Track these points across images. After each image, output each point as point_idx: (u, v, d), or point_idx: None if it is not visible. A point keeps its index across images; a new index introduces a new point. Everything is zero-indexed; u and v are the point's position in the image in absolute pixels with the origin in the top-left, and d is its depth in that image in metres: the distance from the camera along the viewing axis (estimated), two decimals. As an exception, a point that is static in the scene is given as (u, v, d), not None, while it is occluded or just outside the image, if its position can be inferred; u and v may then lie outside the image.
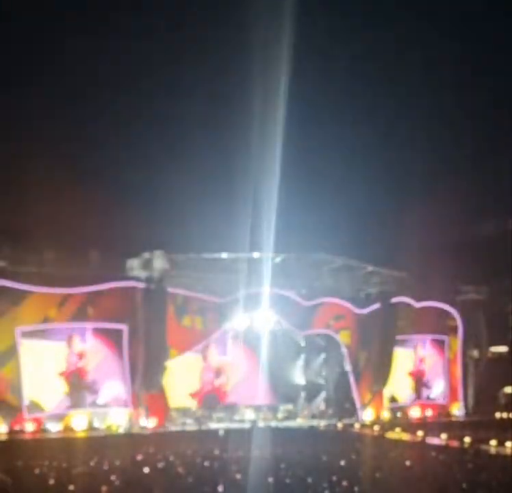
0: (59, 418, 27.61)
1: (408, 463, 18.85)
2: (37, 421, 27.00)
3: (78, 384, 28.42)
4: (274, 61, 26.65)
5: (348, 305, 33.95)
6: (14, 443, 24.16)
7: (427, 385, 36.56)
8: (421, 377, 36.49)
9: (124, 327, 28.98)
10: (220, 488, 14.59)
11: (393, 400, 35.12)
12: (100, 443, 24.61)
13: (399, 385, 35.45)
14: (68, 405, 28.06)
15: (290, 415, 33.57)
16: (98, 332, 28.81)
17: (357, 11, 31.37)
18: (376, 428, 30.21)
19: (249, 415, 32.67)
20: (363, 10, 31.33)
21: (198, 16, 28.52)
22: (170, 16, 29.11)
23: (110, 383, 29.09)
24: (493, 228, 34.14)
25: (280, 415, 33.43)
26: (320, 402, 34.84)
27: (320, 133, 31.75)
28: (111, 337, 28.92)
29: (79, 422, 27.71)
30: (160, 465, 18.66)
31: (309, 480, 15.58)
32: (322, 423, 31.81)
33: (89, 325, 28.67)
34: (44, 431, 26.80)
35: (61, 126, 28.04)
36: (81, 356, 28.62)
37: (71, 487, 14.86)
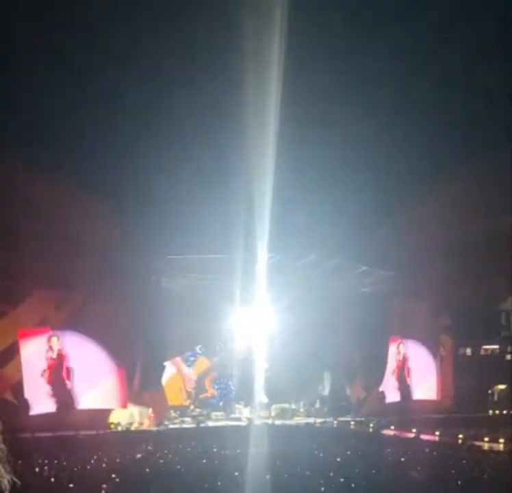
0: (60, 417, 27.80)
1: (403, 459, 19.22)
2: (37, 420, 27.16)
3: (74, 383, 28.62)
4: (268, 60, 26.80)
5: (343, 304, 34.28)
6: (13, 442, 24.29)
7: (420, 383, 36.90)
8: (414, 375, 36.82)
9: (122, 327, 29.22)
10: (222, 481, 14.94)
11: (387, 397, 35.46)
12: (98, 442, 24.76)
13: (393, 383, 35.79)
14: (68, 404, 28.28)
15: (286, 414, 33.90)
16: (96, 332, 29.04)
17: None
18: (372, 425, 30.55)
19: (245, 413, 33.00)
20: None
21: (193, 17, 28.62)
22: (167, 17, 29.22)
23: (109, 382, 29.34)
24: (486, 227, 34.43)
25: (276, 413, 33.76)
26: (315, 401, 35.19)
27: (314, 134, 31.92)
28: (110, 337, 29.15)
29: (79, 421, 27.92)
30: (160, 462, 18.95)
31: (306, 476, 15.90)
32: (318, 421, 32.16)
33: (86, 325, 28.90)
34: (45, 430, 26.95)
35: (59, 127, 28.13)
36: (77, 356, 28.81)
37: (71, 486, 15.08)
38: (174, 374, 32.27)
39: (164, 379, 31.54)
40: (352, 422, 31.88)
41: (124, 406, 29.32)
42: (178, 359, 32.63)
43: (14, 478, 2.79)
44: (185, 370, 33.32)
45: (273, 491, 14.38)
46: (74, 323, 28.64)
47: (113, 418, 28.92)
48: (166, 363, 32.06)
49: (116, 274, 28.64)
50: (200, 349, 33.63)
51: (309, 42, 28.06)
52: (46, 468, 17.80)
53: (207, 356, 34.14)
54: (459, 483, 15.15)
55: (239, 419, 32.03)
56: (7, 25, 25.71)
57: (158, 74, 29.79)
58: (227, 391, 34.27)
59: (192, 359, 33.67)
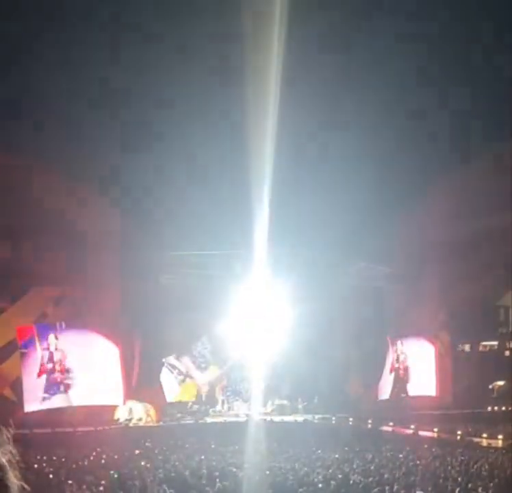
0: (59, 413, 27.79)
1: (401, 455, 19.21)
2: (35, 416, 27.13)
3: (73, 380, 28.60)
4: (270, 57, 26.73)
5: (341, 301, 34.25)
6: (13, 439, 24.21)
7: (419, 379, 36.90)
8: (413, 371, 36.82)
9: (120, 324, 29.22)
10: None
11: (386, 394, 35.47)
12: (97, 438, 24.76)
13: (391, 380, 35.81)
14: (67, 401, 28.27)
15: (285, 410, 33.91)
16: (95, 328, 29.03)
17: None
18: (370, 421, 30.55)
19: (244, 409, 33.01)
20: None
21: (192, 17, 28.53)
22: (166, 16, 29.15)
23: (107, 378, 29.32)
24: (484, 224, 34.44)
25: (275, 409, 33.76)
26: (314, 397, 35.17)
27: (315, 131, 31.89)
28: (108, 334, 29.14)
29: (79, 417, 27.91)
30: (159, 458, 18.94)
31: (304, 473, 15.89)
32: (317, 417, 32.16)
33: (85, 322, 28.90)
34: (43, 426, 26.92)
35: (61, 125, 28.13)
36: (76, 352, 28.78)
37: (69, 482, 15.07)
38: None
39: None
40: (350, 419, 31.89)
41: (123, 402, 29.31)
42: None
43: (24, 485, 2.76)
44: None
45: (271, 487, 14.38)
46: (72, 319, 28.64)
47: (113, 414, 28.91)
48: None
49: (115, 270, 28.64)
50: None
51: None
52: (44, 464, 17.81)
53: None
54: (459, 479, 15.14)
55: (237, 415, 32.03)
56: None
57: (163, 78, 29.76)
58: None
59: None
